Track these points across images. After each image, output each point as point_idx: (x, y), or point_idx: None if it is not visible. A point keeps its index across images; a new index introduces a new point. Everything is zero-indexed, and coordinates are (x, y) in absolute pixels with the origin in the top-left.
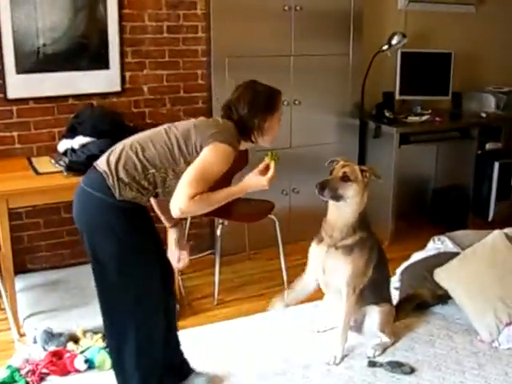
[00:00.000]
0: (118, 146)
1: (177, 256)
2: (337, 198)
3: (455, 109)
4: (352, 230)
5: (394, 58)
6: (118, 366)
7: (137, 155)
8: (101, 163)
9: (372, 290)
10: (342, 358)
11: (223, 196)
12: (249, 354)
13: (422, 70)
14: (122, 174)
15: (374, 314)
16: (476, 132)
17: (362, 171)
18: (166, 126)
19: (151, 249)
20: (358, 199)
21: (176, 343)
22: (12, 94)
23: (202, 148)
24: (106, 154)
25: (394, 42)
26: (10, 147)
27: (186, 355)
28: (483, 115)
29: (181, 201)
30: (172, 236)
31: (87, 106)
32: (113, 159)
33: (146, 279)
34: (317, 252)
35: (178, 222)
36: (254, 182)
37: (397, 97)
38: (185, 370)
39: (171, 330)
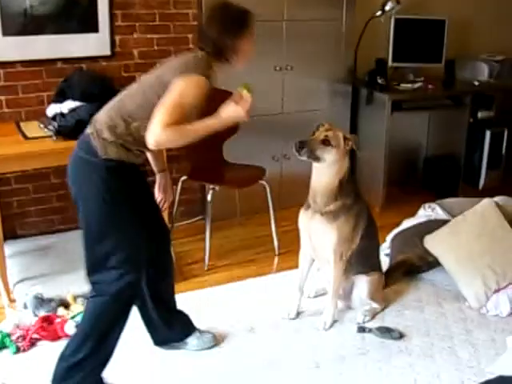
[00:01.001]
0: (102, 109)
1: (159, 199)
2: (314, 158)
3: (448, 76)
4: (333, 196)
5: (388, 25)
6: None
7: (119, 112)
8: (88, 126)
9: (360, 258)
10: (332, 324)
11: (200, 127)
12: (239, 320)
13: (415, 36)
14: (105, 134)
15: (362, 284)
16: (468, 100)
17: (345, 139)
18: (137, 79)
19: (139, 209)
20: (337, 165)
21: (174, 304)
22: None
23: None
24: (94, 117)
25: (387, 7)
26: None
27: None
28: (476, 83)
29: (154, 130)
30: (158, 181)
31: (76, 70)
32: (97, 120)
33: (134, 240)
34: (303, 218)
35: (164, 169)
36: (232, 111)
37: (390, 63)
38: (187, 328)
39: (169, 291)
